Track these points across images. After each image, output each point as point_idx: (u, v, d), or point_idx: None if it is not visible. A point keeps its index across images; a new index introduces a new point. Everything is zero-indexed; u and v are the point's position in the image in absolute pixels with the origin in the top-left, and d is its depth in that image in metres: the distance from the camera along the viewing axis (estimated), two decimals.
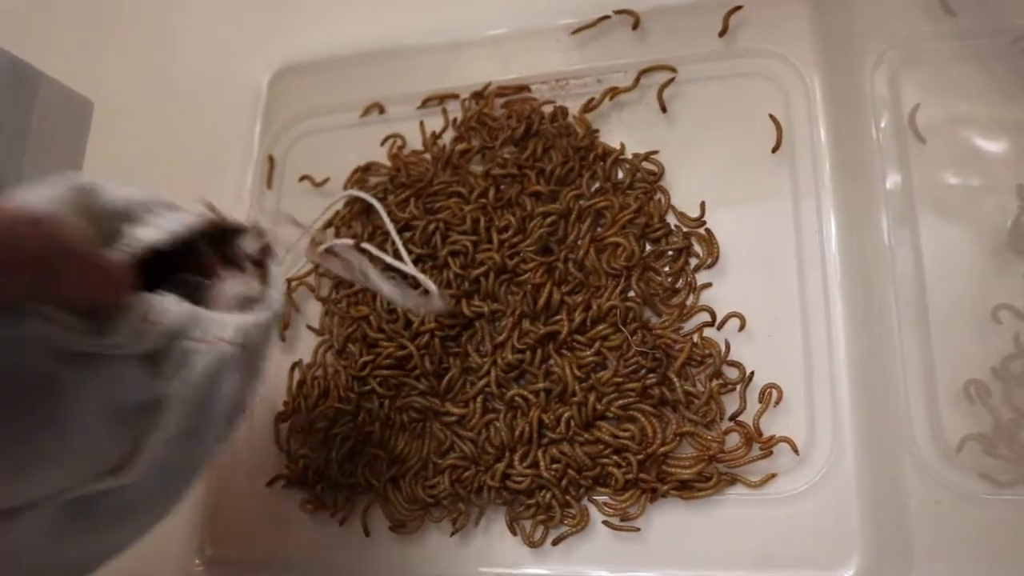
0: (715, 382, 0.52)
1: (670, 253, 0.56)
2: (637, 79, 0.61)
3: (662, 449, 0.51)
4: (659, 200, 0.58)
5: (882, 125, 0.55)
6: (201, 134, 0.71)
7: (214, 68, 0.74)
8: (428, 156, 0.64)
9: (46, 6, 0.80)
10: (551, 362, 0.55)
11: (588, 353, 0.54)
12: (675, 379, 0.53)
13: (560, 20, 0.65)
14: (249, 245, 0.44)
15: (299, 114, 0.70)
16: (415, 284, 0.58)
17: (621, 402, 0.53)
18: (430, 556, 0.55)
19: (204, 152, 0.71)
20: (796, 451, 0.50)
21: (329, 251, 0.60)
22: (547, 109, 0.62)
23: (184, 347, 0.37)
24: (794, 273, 0.54)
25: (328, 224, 0.64)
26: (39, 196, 0.35)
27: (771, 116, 0.57)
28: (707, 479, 0.51)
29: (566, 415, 0.53)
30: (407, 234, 0.60)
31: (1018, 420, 0.48)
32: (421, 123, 0.65)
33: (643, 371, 0.53)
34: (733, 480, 0.51)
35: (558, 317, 0.56)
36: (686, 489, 0.51)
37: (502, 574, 0.53)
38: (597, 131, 0.61)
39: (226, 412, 0.40)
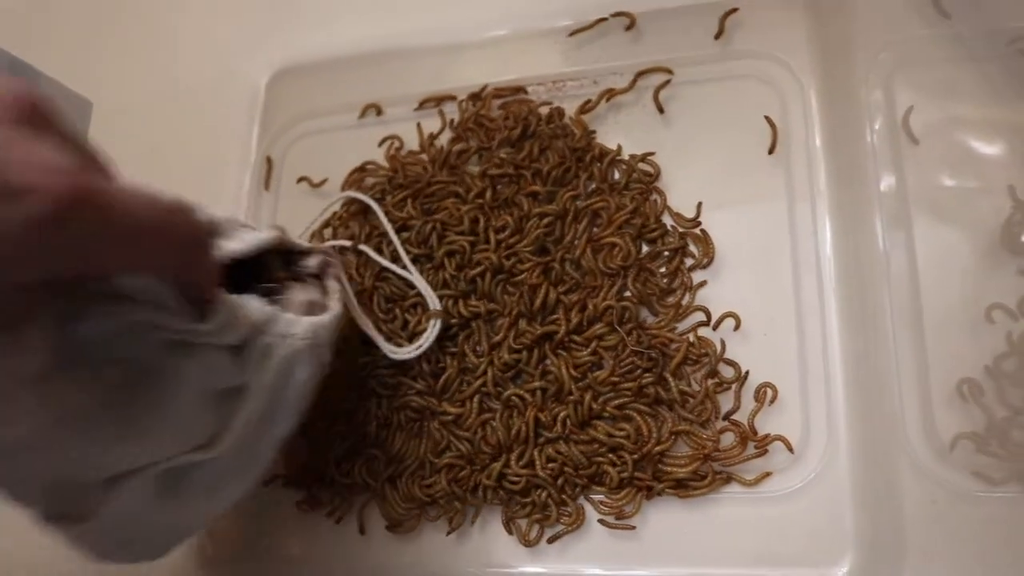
0: (710, 381, 0.53)
1: (666, 254, 0.57)
2: (634, 81, 0.62)
3: (658, 448, 0.51)
4: (655, 201, 0.58)
5: (876, 127, 0.56)
6: (199, 135, 0.72)
7: (212, 70, 0.74)
8: (425, 157, 0.65)
9: (46, 6, 0.80)
10: (547, 362, 0.55)
11: (584, 353, 0.55)
12: (670, 378, 0.53)
13: (558, 22, 0.65)
14: (311, 262, 0.53)
15: (297, 116, 0.71)
16: (410, 285, 0.58)
17: (617, 401, 0.53)
18: (426, 555, 0.55)
19: (202, 153, 0.71)
20: (791, 449, 0.50)
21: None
22: (544, 110, 0.63)
23: (265, 341, 0.44)
24: (789, 273, 0.54)
25: (325, 225, 0.64)
26: None
27: (767, 118, 0.58)
28: (702, 477, 0.51)
29: (562, 414, 0.53)
30: (404, 234, 0.61)
31: (1011, 418, 0.48)
32: (418, 124, 0.66)
33: (639, 370, 0.53)
34: (728, 479, 0.51)
35: (555, 317, 0.56)
36: (681, 487, 0.51)
37: (498, 573, 0.54)
38: (594, 132, 0.61)
39: (295, 399, 0.47)
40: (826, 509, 0.49)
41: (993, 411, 0.48)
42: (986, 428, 0.48)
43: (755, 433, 0.51)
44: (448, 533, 0.55)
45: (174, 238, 0.35)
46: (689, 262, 0.56)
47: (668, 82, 0.61)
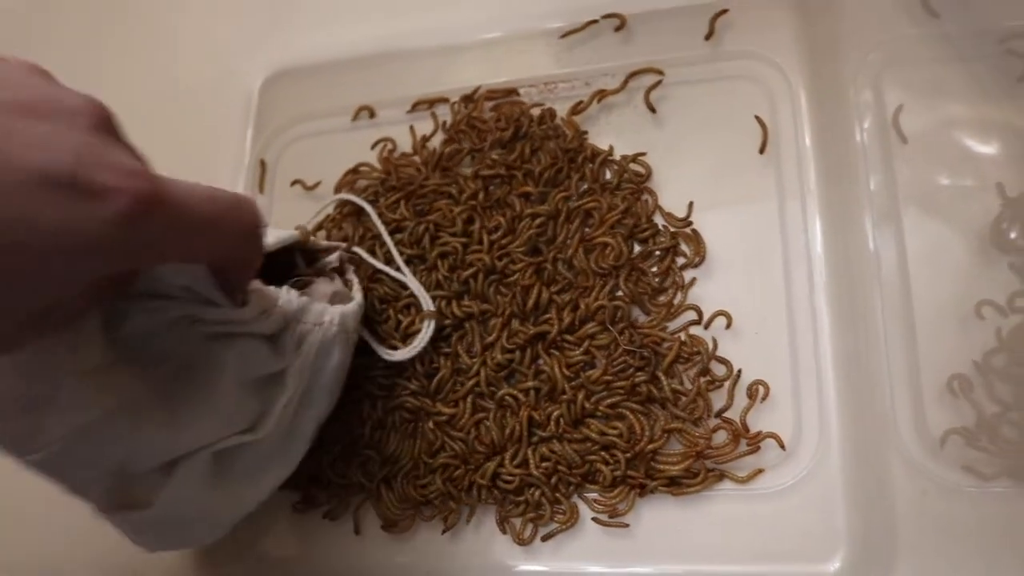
0: (702, 379, 0.53)
1: (657, 253, 0.57)
2: (625, 82, 0.62)
3: (650, 446, 0.52)
4: (647, 201, 0.59)
5: (866, 126, 0.56)
6: (193, 139, 0.72)
7: (206, 73, 0.75)
8: (418, 159, 0.65)
9: (46, 6, 0.81)
10: (540, 361, 0.56)
11: (577, 352, 0.55)
12: (662, 377, 0.53)
13: (549, 24, 0.66)
14: (331, 258, 0.57)
15: (291, 119, 0.71)
16: (404, 286, 0.59)
17: (610, 400, 0.53)
18: (421, 555, 0.55)
19: (196, 156, 0.71)
20: (783, 446, 0.51)
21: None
22: (536, 112, 0.63)
23: (300, 329, 0.48)
24: (780, 271, 0.55)
25: (319, 227, 0.65)
26: None
27: (757, 118, 0.58)
28: (695, 475, 0.51)
29: (555, 413, 0.54)
30: (397, 236, 0.61)
31: (1000, 414, 0.48)
32: (411, 127, 0.66)
33: (631, 369, 0.53)
34: (721, 476, 0.51)
35: (547, 317, 0.56)
36: (674, 485, 0.51)
37: (493, 571, 0.54)
38: (586, 133, 0.62)
39: (330, 383, 0.51)
40: (818, 505, 0.49)
41: (983, 407, 0.49)
42: (976, 424, 0.49)
43: (747, 430, 0.51)
44: (443, 532, 0.55)
45: (235, 228, 0.39)
46: (680, 261, 0.57)
47: (659, 83, 0.61)
